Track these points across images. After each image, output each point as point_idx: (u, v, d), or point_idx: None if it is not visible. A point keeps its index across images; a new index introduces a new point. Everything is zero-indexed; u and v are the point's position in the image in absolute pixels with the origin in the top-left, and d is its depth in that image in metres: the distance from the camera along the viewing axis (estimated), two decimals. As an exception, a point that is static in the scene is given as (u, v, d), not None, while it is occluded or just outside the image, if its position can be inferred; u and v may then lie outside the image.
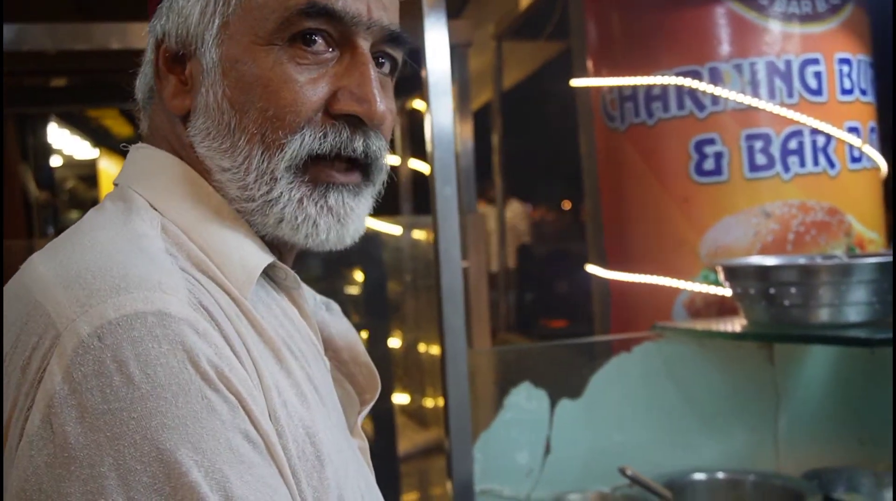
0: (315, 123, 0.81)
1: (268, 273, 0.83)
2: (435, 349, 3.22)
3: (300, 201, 0.82)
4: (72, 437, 0.63)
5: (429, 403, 3.34)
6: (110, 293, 0.68)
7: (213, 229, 0.81)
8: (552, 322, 5.31)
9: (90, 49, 2.11)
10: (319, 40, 0.81)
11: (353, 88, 0.81)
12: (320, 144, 0.81)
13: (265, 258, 0.82)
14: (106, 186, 7.77)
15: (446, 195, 1.74)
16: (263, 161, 0.81)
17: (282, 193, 0.81)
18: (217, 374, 0.68)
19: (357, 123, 0.82)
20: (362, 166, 0.85)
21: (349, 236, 0.85)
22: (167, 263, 0.74)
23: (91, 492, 0.62)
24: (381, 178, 0.88)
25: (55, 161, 6.32)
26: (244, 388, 0.70)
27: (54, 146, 6.03)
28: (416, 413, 3.39)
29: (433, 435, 3.23)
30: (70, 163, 7.20)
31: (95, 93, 3.72)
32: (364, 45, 0.83)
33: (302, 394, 0.78)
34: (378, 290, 2.94)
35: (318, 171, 0.82)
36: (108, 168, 7.92)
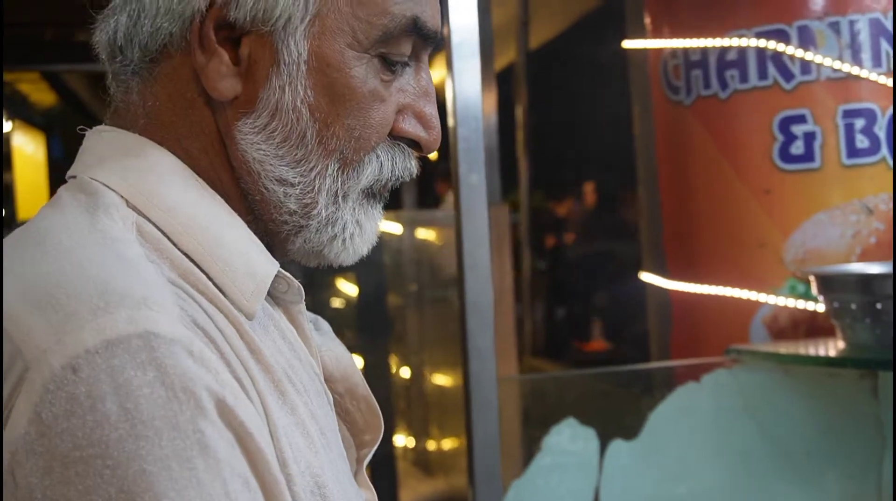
0: (384, 142, 0.89)
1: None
2: (442, 379, 3.24)
3: (358, 219, 0.90)
4: (38, 491, 0.65)
5: (435, 446, 3.37)
6: (88, 316, 0.70)
7: (210, 230, 0.85)
8: (591, 345, 5.33)
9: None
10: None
11: (422, 111, 0.90)
12: (392, 171, 0.90)
13: (274, 265, 0.86)
14: (21, 168, 7.74)
15: (472, 185, 1.78)
16: (337, 181, 0.88)
17: (345, 212, 0.89)
18: (217, 403, 0.70)
19: (415, 146, 0.90)
20: None
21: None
22: (151, 272, 0.77)
23: None
24: None
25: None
26: (250, 422, 0.72)
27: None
28: (420, 459, 3.42)
29: (441, 486, 3.27)
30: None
31: (12, 51, 3.73)
32: (426, 59, 0.91)
33: (308, 435, 0.82)
34: (374, 303, 2.97)
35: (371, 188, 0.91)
36: (24, 146, 7.89)
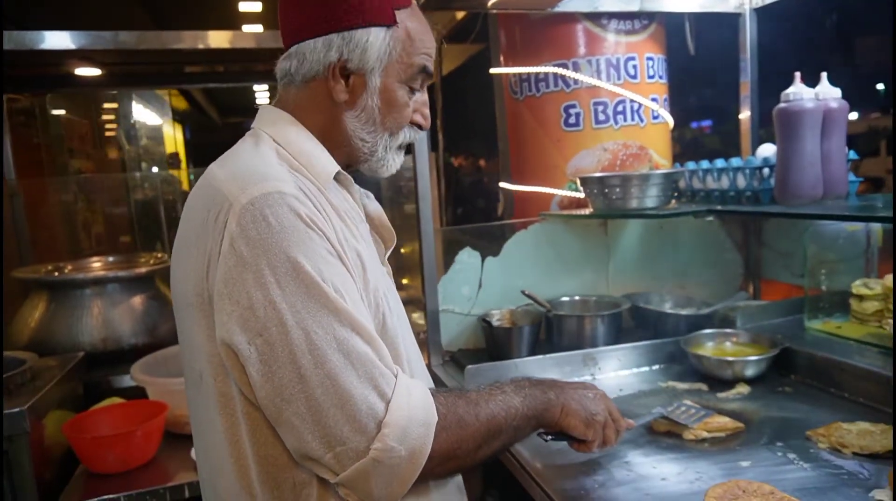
0: (407, 125, 0.93)
1: (335, 176, 0.90)
2: (400, 243, 3.30)
3: (394, 157, 0.94)
4: (244, 252, 0.72)
5: (399, 272, 3.48)
6: (255, 183, 0.75)
7: (307, 150, 0.87)
8: (474, 221, 5.46)
9: (162, 48, 2.14)
10: (417, 85, 0.93)
11: (423, 111, 0.94)
12: (411, 137, 0.94)
13: (336, 166, 0.89)
14: (168, 143, 7.53)
15: (422, 140, 1.79)
16: (387, 139, 0.92)
17: (389, 154, 0.93)
18: (311, 221, 0.75)
19: (420, 129, 0.95)
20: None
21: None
22: (282, 168, 0.81)
23: (257, 277, 0.71)
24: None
25: (133, 125, 6.13)
26: (326, 228, 0.77)
27: (133, 114, 5.87)
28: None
29: (404, 291, 3.37)
30: (142, 127, 6.95)
31: (166, 78, 3.63)
32: (426, 88, 0.95)
33: (357, 239, 0.86)
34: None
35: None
36: (168, 131, 7.65)
